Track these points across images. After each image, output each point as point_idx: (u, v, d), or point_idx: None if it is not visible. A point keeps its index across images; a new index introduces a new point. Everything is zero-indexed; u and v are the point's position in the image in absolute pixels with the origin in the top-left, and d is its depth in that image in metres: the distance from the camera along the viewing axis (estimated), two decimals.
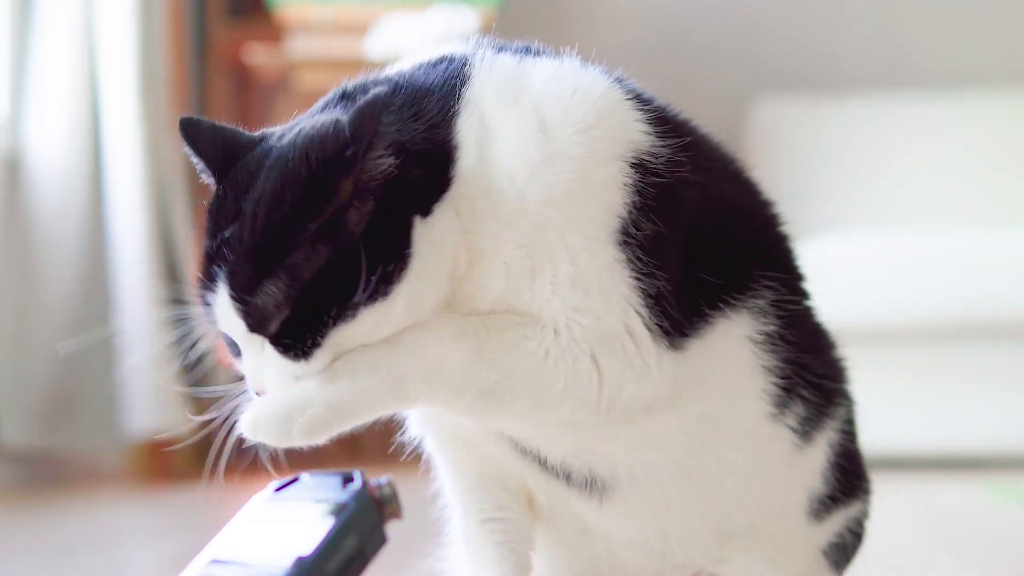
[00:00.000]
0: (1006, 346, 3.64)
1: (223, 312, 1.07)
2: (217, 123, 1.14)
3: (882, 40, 4.73)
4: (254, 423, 1.05)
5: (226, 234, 1.05)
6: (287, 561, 0.97)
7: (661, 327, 1.13)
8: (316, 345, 1.05)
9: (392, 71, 1.20)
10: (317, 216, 1.04)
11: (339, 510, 1.00)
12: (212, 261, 1.07)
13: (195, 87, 4.30)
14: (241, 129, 1.15)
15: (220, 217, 1.08)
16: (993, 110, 4.39)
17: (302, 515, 1.03)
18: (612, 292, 1.11)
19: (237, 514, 1.09)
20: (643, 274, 1.11)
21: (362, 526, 1.00)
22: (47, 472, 3.53)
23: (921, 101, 4.42)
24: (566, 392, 1.11)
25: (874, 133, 4.38)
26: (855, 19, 4.74)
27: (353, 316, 1.05)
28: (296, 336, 1.05)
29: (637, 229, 1.11)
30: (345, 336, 1.06)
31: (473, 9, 3.88)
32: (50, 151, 3.42)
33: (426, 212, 1.08)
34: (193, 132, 1.13)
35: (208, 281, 1.07)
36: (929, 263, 3.71)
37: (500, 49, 1.19)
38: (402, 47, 3.72)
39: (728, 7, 4.76)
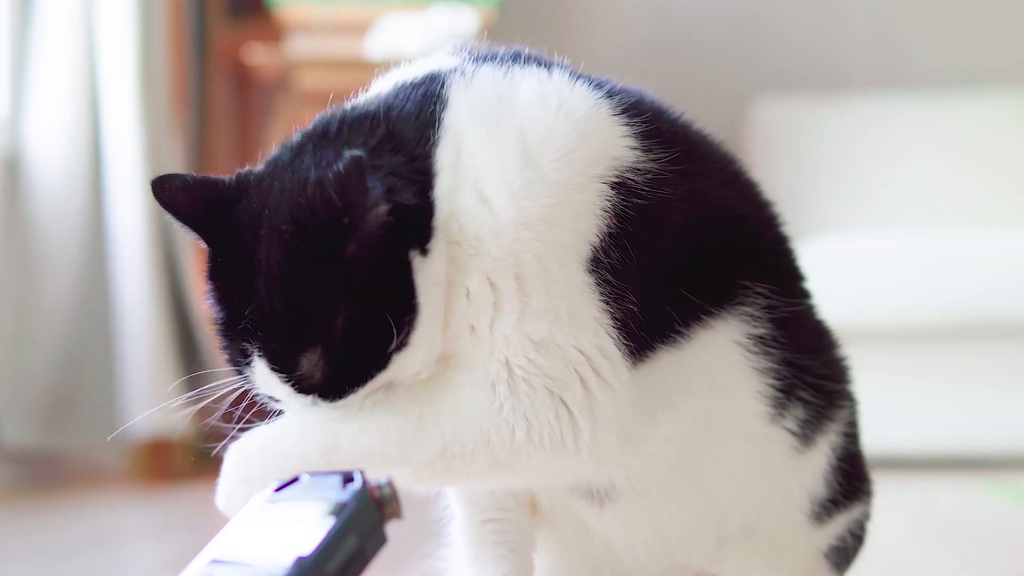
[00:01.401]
0: (1006, 346, 3.64)
1: (266, 381, 1.10)
2: (188, 177, 1.13)
3: (883, 40, 4.73)
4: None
5: (246, 314, 1.08)
6: (287, 561, 0.97)
7: (628, 347, 1.12)
8: (360, 388, 1.09)
9: (372, 95, 1.18)
10: (328, 282, 1.05)
11: (339, 510, 1.00)
12: (240, 339, 1.09)
13: (195, 87, 4.30)
14: (214, 178, 1.14)
15: (231, 291, 1.10)
16: (993, 110, 4.39)
17: (302, 515, 1.03)
18: (583, 316, 1.10)
19: (237, 514, 1.09)
20: (611, 297, 1.10)
21: (362, 526, 1.00)
22: (47, 472, 3.53)
23: (921, 101, 4.42)
24: (529, 440, 1.09)
25: (874, 133, 4.38)
26: (856, 19, 4.74)
27: (387, 364, 1.08)
28: (341, 389, 1.08)
29: (607, 256, 1.10)
30: (378, 381, 1.09)
31: (473, 9, 3.88)
32: (50, 151, 3.42)
33: (422, 243, 1.08)
34: (168, 194, 1.12)
35: (242, 357, 1.10)
36: (929, 263, 3.71)
37: (487, 59, 1.18)
38: (402, 47, 3.72)
39: (728, 7, 4.76)
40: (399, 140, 1.11)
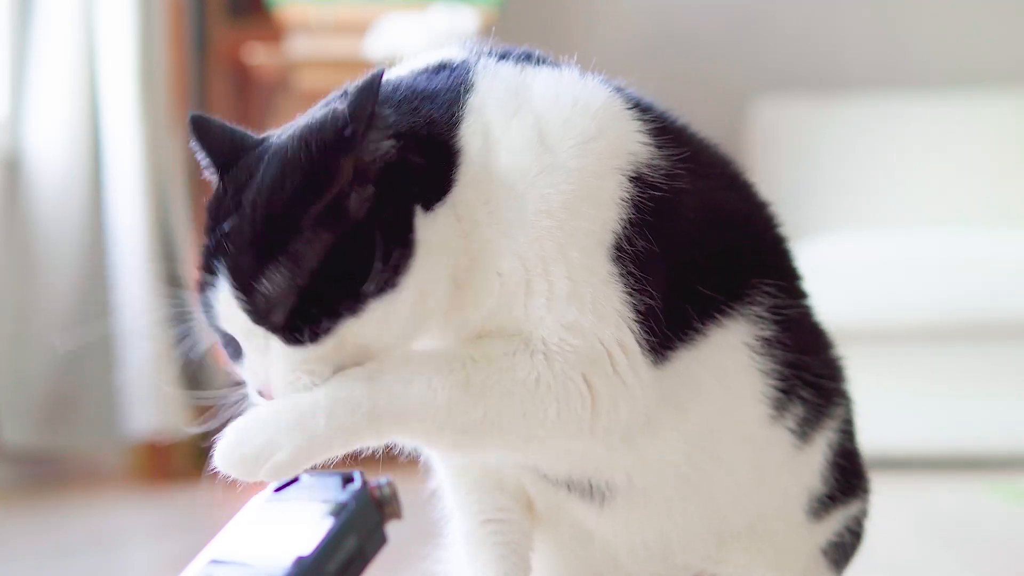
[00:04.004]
0: (1006, 346, 3.64)
1: (225, 308, 1.05)
2: (228, 123, 1.14)
3: (883, 40, 4.73)
4: (223, 458, 1.04)
5: (225, 227, 1.05)
6: (287, 561, 0.97)
7: (649, 342, 1.12)
8: (326, 332, 1.04)
9: (390, 75, 1.19)
10: (317, 200, 1.04)
11: (339, 510, 1.00)
12: (212, 256, 1.06)
13: (195, 87, 4.30)
14: (246, 131, 1.15)
15: (219, 212, 1.07)
16: (993, 110, 4.39)
17: (302, 515, 1.03)
18: (606, 307, 1.10)
19: (237, 514, 1.09)
20: (635, 289, 1.11)
21: (362, 526, 1.00)
22: (47, 472, 3.53)
23: (922, 101, 4.42)
24: (559, 419, 1.10)
25: (875, 133, 4.38)
26: (856, 19, 4.74)
27: (363, 309, 1.04)
28: (305, 322, 1.03)
29: (631, 245, 1.11)
30: (353, 332, 1.05)
31: (473, 9, 3.88)
32: (50, 151, 3.42)
33: (427, 205, 1.08)
34: (202, 129, 1.13)
35: (208, 276, 1.06)
36: (929, 263, 3.71)
37: (501, 56, 1.19)
38: (402, 47, 3.72)
39: (728, 7, 4.76)
40: (421, 106, 1.11)
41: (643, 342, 1.12)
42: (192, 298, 1.10)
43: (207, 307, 1.07)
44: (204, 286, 1.07)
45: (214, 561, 1.04)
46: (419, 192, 1.08)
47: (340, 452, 1.07)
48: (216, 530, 1.08)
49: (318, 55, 3.88)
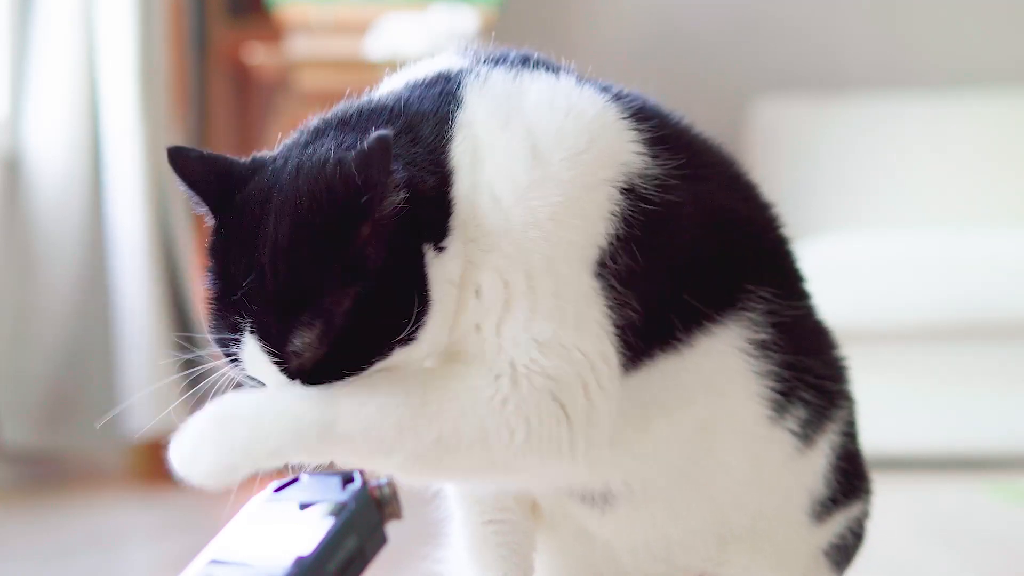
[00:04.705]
0: (1006, 346, 3.64)
1: (254, 361, 1.06)
2: (206, 152, 1.12)
3: (883, 40, 4.73)
4: (170, 455, 1.05)
5: (244, 285, 1.04)
6: (287, 561, 0.97)
7: (625, 354, 1.12)
8: (356, 376, 1.06)
9: (387, 91, 1.18)
10: (339, 260, 1.04)
11: (339, 510, 1.00)
12: (233, 311, 1.06)
13: (195, 87, 4.30)
14: (229, 157, 1.13)
15: (231, 263, 1.07)
16: (993, 110, 4.39)
17: (302, 515, 1.03)
18: (588, 321, 1.09)
19: (237, 514, 1.09)
20: (615, 303, 1.10)
21: (362, 526, 1.00)
22: (47, 472, 3.53)
23: (922, 101, 4.42)
24: (528, 442, 1.07)
25: (875, 133, 4.38)
26: (856, 18, 4.74)
27: (389, 355, 1.06)
28: (333, 374, 1.05)
29: (614, 261, 1.10)
30: (379, 369, 1.07)
31: (473, 9, 3.87)
32: (50, 151, 3.42)
33: (436, 241, 1.07)
34: (184, 163, 1.11)
35: (232, 332, 1.06)
36: (929, 263, 3.71)
37: (497, 61, 1.18)
38: (402, 47, 3.72)
39: (728, 7, 4.76)
40: (417, 134, 1.11)
41: (621, 354, 1.11)
42: (208, 342, 1.10)
43: (230, 355, 1.08)
44: (228, 338, 1.07)
45: (214, 561, 1.04)
46: (428, 229, 1.07)
47: (270, 467, 1.06)
48: (216, 530, 1.08)
49: (318, 55, 3.88)
